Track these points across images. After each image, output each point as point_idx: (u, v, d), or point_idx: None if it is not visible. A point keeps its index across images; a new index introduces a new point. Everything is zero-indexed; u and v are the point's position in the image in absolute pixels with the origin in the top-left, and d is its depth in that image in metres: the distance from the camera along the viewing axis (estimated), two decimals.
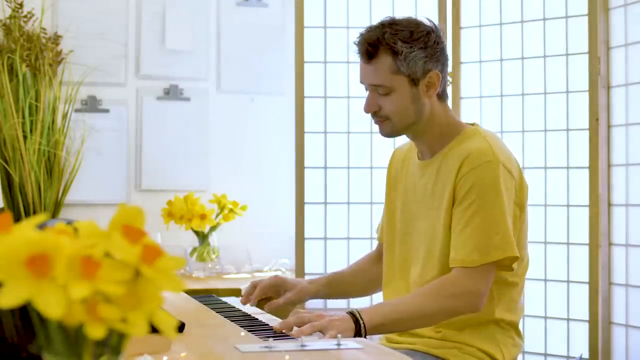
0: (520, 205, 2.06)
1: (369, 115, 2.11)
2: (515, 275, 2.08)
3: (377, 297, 2.68)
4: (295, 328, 1.83)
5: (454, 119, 2.14)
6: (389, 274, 2.21)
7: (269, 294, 2.23)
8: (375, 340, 2.29)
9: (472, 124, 2.15)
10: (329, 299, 2.07)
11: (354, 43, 2.07)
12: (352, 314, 1.90)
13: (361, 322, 1.89)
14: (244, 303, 2.23)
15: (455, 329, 2.05)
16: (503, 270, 2.02)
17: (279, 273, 3.72)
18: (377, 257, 2.35)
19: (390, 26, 2.04)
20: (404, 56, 2.01)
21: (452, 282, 1.98)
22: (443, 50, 2.08)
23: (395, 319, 1.96)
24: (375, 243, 3.26)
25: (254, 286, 2.22)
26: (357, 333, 1.88)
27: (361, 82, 2.10)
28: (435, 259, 2.05)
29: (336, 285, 2.32)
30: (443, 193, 2.04)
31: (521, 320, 2.16)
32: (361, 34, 2.06)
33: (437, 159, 2.09)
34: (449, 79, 3.29)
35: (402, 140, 2.28)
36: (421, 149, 2.15)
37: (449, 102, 3.22)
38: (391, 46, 2.01)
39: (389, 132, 2.11)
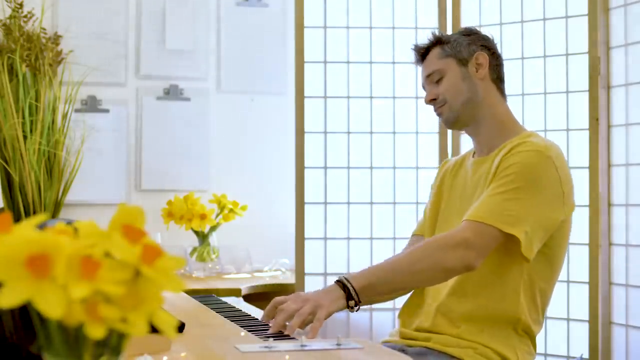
0: (567, 209, 2.04)
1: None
2: (546, 278, 2.08)
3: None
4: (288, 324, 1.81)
5: (517, 121, 2.19)
6: None
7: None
8: (379, 339, 2.29)
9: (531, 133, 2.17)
10: (367, 304, 2.02)
11: (412, 50, 2.25)
12: (339, 281, 1.89)
13: (349, 285, 1.87)
14: (265, 322, 1.97)
15: (475, 328, 2.02)
16: (512, 255, 1.98)
17: (278, 273, 3.72)
18: None
19: (436, 31, 2.27)
20: (447, 40, 2.19)
21: (449, 234, 1.98)
22: (490, 42, 2.20)
23: (384, 277, 1.94)
24: (375, 243, 3.27)
25: (274, 306, 1.91)
26: (349, 298, 1.87)
27: (423, 86, 2.23)
28: None
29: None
30: (487, 180, 2.06)
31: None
32: (414, 45, 2.25)
33: (493, 155, 2.11)
34: None
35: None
36: (480, 146, 2.18)
37: None
38: (437, 40, 2.20)
39: (448, 115, 2.16)
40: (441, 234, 2.04)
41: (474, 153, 2.22)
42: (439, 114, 2.20)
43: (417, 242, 2.23)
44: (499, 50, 2.25)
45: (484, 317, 2.02)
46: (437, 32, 2.25)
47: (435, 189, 2.28)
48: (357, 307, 1.90)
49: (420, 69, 2.25)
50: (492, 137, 2.15)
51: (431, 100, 2.18)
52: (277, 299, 1.97)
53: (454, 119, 2.17)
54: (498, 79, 2.19)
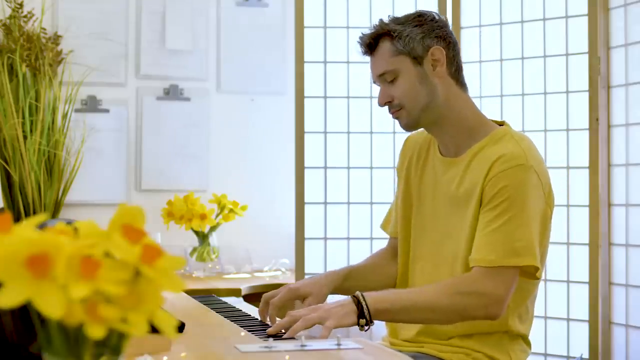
0: (550, 207, 1.99)
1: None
2: (530, 283, 2.02)
3: None
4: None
5: (483, 116, 2.07)
6: (403, 271, 2.14)
7: (287, 309, 2.15)
8: (378, 340, 2.28)
9: (501, 123, 2.08)
10: (347, 294, 1.96)
11: (358, 43, 2.06)
12: (355, 297, 1.84)
13: (364, 303, 1.82)
14: (262, 320, 2.05)
15: (463, 336, 2.00)
16: (525, 276, 1.95)
17: (278, 273, 3.72)
18: (392, 254, 2.23)
19: (384, 19, 2.05)
20: (399, 35, 1.99)
21: (468, 279, 1.90)
22: (444, 30, 2.03)
23: (402, 307, 1.89)
24: (375, 242, 3.27)
25: (266, 302, 2.01)
26: (361, 316, 1.82)
27: (373, 81, 2.08)
28: (459, 262, 1.98)
29: (355, 280, 2.16)
30: (472, 194, 1.96)
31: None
32: (360, 35, 2.07)
33: (466, 157, 2.01)
34: None
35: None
36: (445, 143, 2.07)
37: None
38: (386, 31, 2.00)
39: (407, 121, 2.03)
40: (464, 276, 1.93)
41: (439, 147, 2.09)
42: (395, 118, 2.05)
43: (395, 245, 2.18)
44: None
45: (472, 327, 2.00)
46: (385, 20, 2.03)
47: (402, 178, 2.17)
48: (368, 326, 1.84)
49: (369, 60, 2.07)
50: (458, 138, 2.03)
51: (386, 103, 2.03)
52: (267, 294, 2.03)
53: (413, 124, 2.04)
54: (457, 71, 2.04)
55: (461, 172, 2.01)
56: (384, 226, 2.30)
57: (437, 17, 2.05)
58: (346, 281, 2.14)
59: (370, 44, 2.03)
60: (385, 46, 2.01)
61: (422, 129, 2.11)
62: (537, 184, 1.93)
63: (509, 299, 1.91)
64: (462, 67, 2.07)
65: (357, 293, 1.85)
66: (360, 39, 2.05)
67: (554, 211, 2.03)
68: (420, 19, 2.02)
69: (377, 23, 2.04)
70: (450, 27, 2.12)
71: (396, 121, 2.08)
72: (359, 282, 2.13)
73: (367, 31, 2.04)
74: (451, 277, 1.96)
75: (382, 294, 1.91)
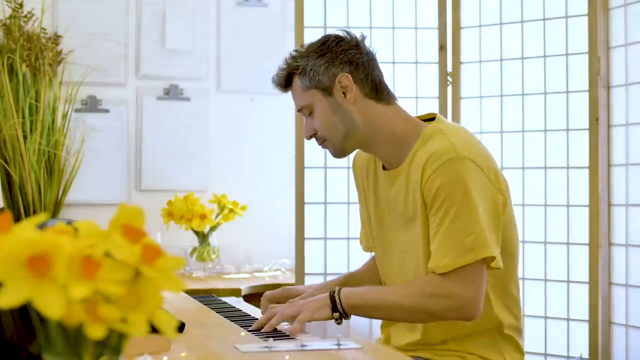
0: (502, 192, 1.95)
1: None
2: (507, 271, 1.99)
3: None
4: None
5: (412, 120, 2.03)
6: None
7: (278, 301, 2.18)
8: (374, 341, 2.28)
9: (432, 117, 2.04)
10: None
11: (273, 83, 2.08)
12: (331, 292, 1.90)
13: (337, 298, 1.87)
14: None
15: (457, 339, 2.01)
16: (494, 269, 1.93)
17: (278, 273, 3.73)
18: None
19: (292, 53, 2.06)
20: (303, 70, 2.00)
21: (433, 282, 1.88)
22: (349, 53, 2.00)
23: (373, 305, 1.91)
24: None
25: (267, 299, 2.11)
26: (334, 310, 1.87)
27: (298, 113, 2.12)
28: (421, 273, 1.97)
29: (353, 285, 2.16)
30: (415, 202, 1.95)
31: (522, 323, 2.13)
32: (274, 76, 2.09)
33: (404, 167, 1.99)
34: (449, 79, 3.29)
35: None
36: (384, 159, 2.05)
37: (449, 102, 3.27)
38: (293, 68, 2.02)
39: (334, 150, 2.04)
40: (432, 277, 1.89)
41: (382, 164, 2.08)
42: (324, 148, 2.07)
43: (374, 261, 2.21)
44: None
45: (463, 334, 2.00)
46: (291, 58, 2.03)
47: (361, 200, 2.18)
48: (341, 319, 1.89)
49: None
50: (392, 152, 2.01)
51: (311, 136, 2.05)
52: (267, 293, 2.12)
53: (341, 152, 2.05)
54: (373, 89, 2.01)
55: (404, 185, 1.99)
56: (361, 242, 2.30)
57: (343, 38, 2.03)
58: (343, 285, 2.16)
59: (283, 83, 2.06)
60: (296, 83, 2.03)
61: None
62: (476, 171, 1.89)
63: (482, 296, 1.88)
64: (380, 81, 2.03)
65: (335, 288, 1.91)
66: (273, 79, 2.07)
67: (509, 199, 1.99)
68: (322, 48, 2.01)
69: (286, 59, 2.05)
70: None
71: None
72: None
73: (279, 71, 2.07)
74: (424, 276, 1.94)
75: (357, 289, 1.94)
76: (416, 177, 1.94)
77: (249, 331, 1.84)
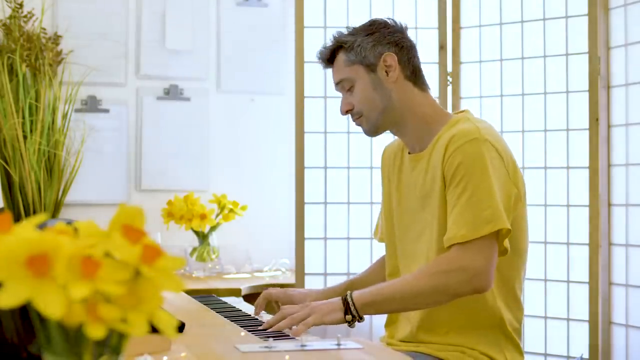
0: (518, 187, 2.01)
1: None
2: (514, 268, 2.04)
3: None
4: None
5: (442, 110, 2.13)
6: (392, 272, 2.18)
7: (278, 299, 2.20)
8: (377, 340, 2.29)
9: (463, 111, 2.12)
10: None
11: (317, 58, 2.16)
12: (343, 295, 1.91)
13: (350, 300, 1.88)
14: (256, 314, 2.16)
15: (460, 334, 2.02)
16: (501, 255, 1.96)
17: (278, 273, 3.73)
18: None
19: (340, 32, 2.15)
20: (350, 46, 2.08)
21: (445, 259, 1.92)
22: (395, 35, 2.09)
23: (386, 297, 1.92)
24: (375, 242, 3.27)
25: (265, 298, 2.18)
26: (347, 312, 1.88)
27: (336, 89, 2.17)
28: (433, 250, 2.00)
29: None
30: (434, 180, 2.01)
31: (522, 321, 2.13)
32: (319, 50, 2.16)
33: (428, 150, 2.05)
34: (449, 79, 3.30)
35: (390, 138, 2.28)
36: (410, 143, 2.12)
37: (449, 102, 3.27)
38: (340, 43, 2.10)
39: (368, 127, 2.12)
40: (441, 257, 1.94)
41: (408, 149, 2.15)
42: (358, 125, 2.14)
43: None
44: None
45: (466, 325, 2.02)
46: (338, 34, 2.13)
47: (385, 186, 2.23)
48: (354, 322, 1.90)
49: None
50: (420, 135, 2.08)
51: (347, 111, 2.13)
52: (266, 292, 2.17)
53: (374, 129, 2.12)
54: (413, 73, 2.10)
55: (425, 165, 2.05)
56: (375, 234, 2.36)
57: (390, 23, 2.12)
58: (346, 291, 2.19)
59: (328, 57, 2.13)
60: (340, 58, 2.11)
61: (393, 136, 2.18)
62: (495, 155, 1.95)
63: (493, 267, 1.91)
64: (419, 68, 2.13)
65: (347, 292, 1.92)
66: (320, 53, 2.15)
67: (524, 195, 2.05)
68: (371, 28, 2.11)
69: (333, 36, 2.13)
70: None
71: None
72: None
73: (326, 45, 2.14)
74: (423, 264, 1.98)
75: (368, 288, 1.95)
76: (438, 157, 2.00)
77: (260, 330, 1.84)
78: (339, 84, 2.12)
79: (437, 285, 1.90)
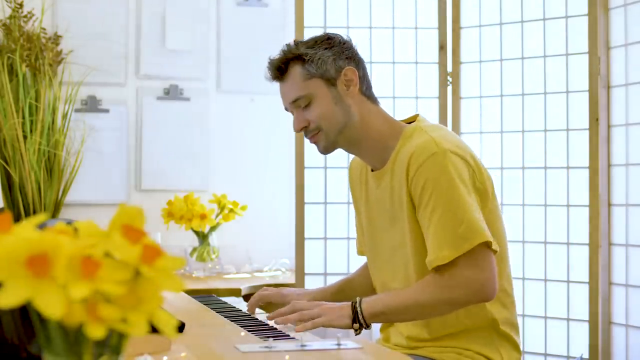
0: (483, 191, 1.97)
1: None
2: (502, 262, 2.02)
3: None
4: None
5: (393, 121, 2.08)
6: (378, 285, 2.17)
7: (271, 300, 2.20)
8: (374, 341, 2.29)
9: (413, 118, 2.08)
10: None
11: (267, 68, 2.07)
12: (353, 302, 1.91)
13: (359, 309, 1.89)
14: (250, 312, 2.18)
15: (454, 336, 2.02)
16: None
17: (278, 273, 3.72)
18: None
19: (292, 43, 2.07)
20: (310, 58, 2.00)
21: (447, 273, 1.90)
22: (352, 50, 2.06)
23: (395, 308, 1.92)
24: None
25: (259, 298, 2.19)
26: (355, 321, 1.89)
27: (285, 108, 2.09)
28: (411, 267, 1.99)
29: (349, 292, 2.24)
30: (401, 200, 1.98)
31: (519, 320, 2.13)
32: (269, 60, 2.07)
33: (389, 166, 2.02)
34: (449, 79, 3.30)
35: None
36: (371, 161, 2.09)
37: (449, 102, 3.27)
38: (296, 55, 2.01)
39: (325, 143, 2.04)
40: (442, 273, 1.90)
41: (371, 167, 2.11)
42: (313, 142, 2.06)
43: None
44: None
45: (458, 327, 2.02)
46: (293, 46, 2.04)
47: (353, 200, 2.22)
48: (361, 329, 1.91)
49: (279, 89, 2.07)
50: (376, 153, 2.05)
51: (302, 128, 2.04)
52: (260, 293, 2.18)
53: (331, 146, 2.05)
54: (367, 88, 2.07)
55: (389, 183, 2.03)
56: (356, 244, 2.33)
57: (344, 39, 2.07)
58: (337, 295, 2.22)
59: (281, 68, 2.03)
60: (296, 70, 2.02)
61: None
62: (457, 161, 1.93)
63: (496, 277, 1.90)
64: (371, 84, 2.10)
65: (357, 298, 1.92)
66: (270, 63, 2.05)
67: (491, 194, 2.01)
68: (329, 42, 2.04)
69: (286, 47, 2.05)
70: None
71: None
72: (352, 295, 2.13)
73: (277, 56, 2.05)
74: (428, 275, 1.95)
75: (377, 297, 1.96)
76: (401, 175, 1.97)
77: (260, 330, 1.85)
78: (294, 102, 2.02)
79: (443, 299, 1.91)
